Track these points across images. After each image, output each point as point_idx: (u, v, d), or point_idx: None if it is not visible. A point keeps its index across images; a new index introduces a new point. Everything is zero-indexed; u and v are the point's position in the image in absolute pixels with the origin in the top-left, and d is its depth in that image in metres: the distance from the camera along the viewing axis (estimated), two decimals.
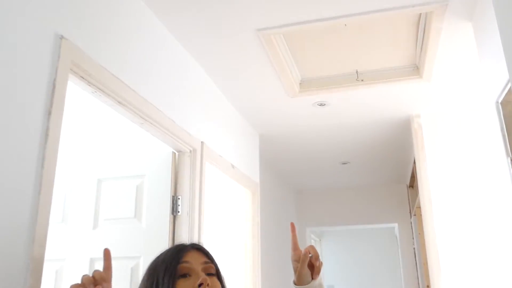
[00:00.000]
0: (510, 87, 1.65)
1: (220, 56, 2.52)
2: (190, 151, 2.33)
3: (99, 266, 2.18)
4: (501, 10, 1.02)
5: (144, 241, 2.17)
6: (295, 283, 1.21)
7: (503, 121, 1.80)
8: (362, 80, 2.82)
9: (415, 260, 5.08)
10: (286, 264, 4.89)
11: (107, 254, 1.16)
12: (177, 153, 2.32)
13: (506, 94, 1.74)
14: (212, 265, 1.12)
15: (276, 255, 4.55)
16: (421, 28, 2.37)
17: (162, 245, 2.10)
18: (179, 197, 2.24)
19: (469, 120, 3.24)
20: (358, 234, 6.95)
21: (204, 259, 1.12)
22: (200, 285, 1.03)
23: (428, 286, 4.10)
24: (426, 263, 3.58)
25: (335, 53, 2.61)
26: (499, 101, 1.83)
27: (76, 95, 1.73)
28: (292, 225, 1.30)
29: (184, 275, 1.06)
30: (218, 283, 1.10)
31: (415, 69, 2.78)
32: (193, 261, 1.09)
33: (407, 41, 2.52)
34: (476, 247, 3.02)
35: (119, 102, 1.76)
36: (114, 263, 2.20)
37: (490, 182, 3.02)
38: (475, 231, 3.05)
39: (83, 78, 1.53)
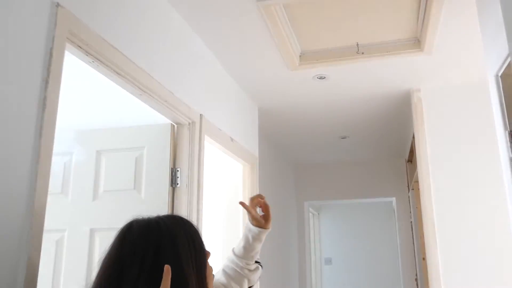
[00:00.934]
0: (510, 60, 1.64)
1: (220, 28, 2.49)
2: (189, 123, 2.33)
3: (100, 236, 2.22)
4: None
5: (144, 213, 2.18)
6: (253, 225, 1.47)
7: (502, 94, 1.79)
8: (362, 53, 2.80)
9: (412, 233, 5.15)
10: (282, 238, 4.96)
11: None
12: (176, 126, 2.32)
13: (506, 67, 1.73)
14: None
15: (272, 229, 4.60)
16: (423, 0, 2.34)
17: None
18: (178, 169, 2.25)
19: (469, 94, 3.22)
20: (356, 208, 7.02)
21: None
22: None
23: (423, 258, 4.16)
24: (423, 236, 3.62)
25: (336, 25, 2.58)
26: (499, 74, 1.82)
27: (74, 64, 1.71)
28: (243, 203, 1.52)
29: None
30: None
31: (416, 42, 2.75)
32: None
33: (408, 13, 2.48)
34: (472, 221, 3.06)
35: (117, 73, 1.75)
36: (114, 233, 2.22)
37: (489, 156, 3.03)
38: (472, 206, 3.08)
39: (80, 47, 1.52)
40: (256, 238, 1.45)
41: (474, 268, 2.98)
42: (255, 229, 1.46)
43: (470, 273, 2.98)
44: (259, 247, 1.48)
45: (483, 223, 3.02)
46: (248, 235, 1.46)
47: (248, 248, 1.44)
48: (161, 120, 2.27)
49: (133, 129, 2.34)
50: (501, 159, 1.86)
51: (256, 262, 1.48)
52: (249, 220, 1.50)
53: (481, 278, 2.95)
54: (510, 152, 1.73)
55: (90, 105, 2.53)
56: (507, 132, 1.76)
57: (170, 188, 2.21)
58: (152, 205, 2.19)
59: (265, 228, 1.48)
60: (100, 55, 1.62)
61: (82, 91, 2.51)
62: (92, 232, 2.22)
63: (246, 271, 1.42)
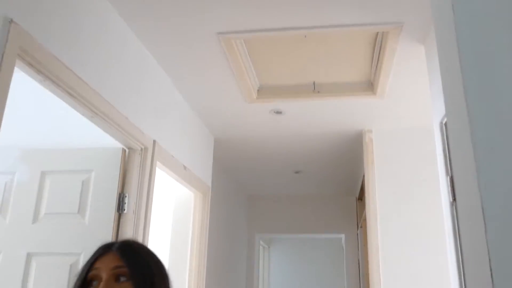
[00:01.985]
0: (446, 120, 1.73)
1: (180, 57, 2.50)
2: (142, 149, 2.30)
3: (37, 261, 2.12)
4: (442, 46, 1.08)
5: (86, 238, 2.11)
6: None
7: (446, 141, 1.88)
8: (318, 92, 2.88)
9: (359, 270, 5.21)
10: (231, 269, 4.89)
11: None
12: (127, 150, 2.28)
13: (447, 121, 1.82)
14: (125, 269, 1.00)
15: (221, 259, 4.54)
16: (377, 47, 2.45)
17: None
18: (126, 195, 2.20)
19: (417, 138, 3.36)
20: (306, 242, 7.05)
21: (116, 263, 1.00)
22: None
23: None
24: (368, 273, 3.67)
25: (294, 63, 2.65)
26: (444, 122, 1.91)
27: (25, 81, 1.66)
28: None
29: (92, 282, 0.99)
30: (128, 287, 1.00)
31: (370, 85, 2.87)
32: (103, 266, 0.99)
33: (363, 58, 2.59)
34: (415, 261, 3.14)
35: (69, 93, 1.71)
36: (53, 259, 2.14)
37: (433, 198, 3.14)
38: (415, 246, 3.17)
39: (31, 65, 1.48)
40: None
41: None
42: None
43: None
44: None
45: (425, 263, 3.11)
46: None
47: None
48: (112, 143, 2.23)
49: (82, 151, 2.27)
50: (442, 202, 1.94)
51: None
52: None
53: None
54: (451, 196, 1.81)
55: (37, 123, 2.45)
56: (448, 177, 1.84)
57: (116, 213, 2.15)
58: (96, 230, 2.11)
59: None
60: (52, 74, 1.58)
61: (31, 109, 2.43)
62: (29, 256, 2.11)
63: None
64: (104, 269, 0.98)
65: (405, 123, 3.34)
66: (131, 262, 1.01)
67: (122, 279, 0.98)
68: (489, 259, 0.78)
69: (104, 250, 1.02)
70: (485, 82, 0.85)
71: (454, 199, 1.79)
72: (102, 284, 0.96)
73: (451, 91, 1.09)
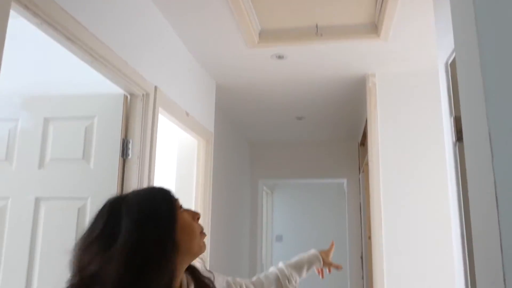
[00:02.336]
0: (456, 54, 1.70)
1: (179, 0, 2.43)
2: (143, 94, 2.29)
3: (45, 206, 2.16)
4: None
5: (92, 183, 2.14)
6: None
7: (451, 81, 1.86)
8: (321, 35, 2.82)
9: (360, 214, 5.32)
10: (235, 214, 5.00)
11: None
12: (129, 96, 2.27)
13: (456, 55, 1.79)
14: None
15: (226, 205, 4.63)
16: None
17: (111, 187, 2.10)
18: (130, 140, 2.21)
19: (421, 82, 3.33)
20: (309, 188, 7.17)
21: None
22: (198, 218, 1.08)
23: (369, 237, 4.32)
24: (369, 216, 3.76)
25: (296, 5, 2.58)
26: (449, 62, 1.88)
27: (23, 26, 1.63)
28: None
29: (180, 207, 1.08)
30: None
31: (374, 27, 2.80)
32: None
33: None
34: (416, 205, 3.19)
35: (68, 38, 1.68)
36: (60, 203, 2.18)
37: (436, 142, 3.15)
38: (417, 190, 3.21)
39: (27, 7, 1.45)
40: (310, 260, 1.58)
41: (414, 249, 3.13)
42: (317, 253, 1.62)
43: (411, 253, 3.13)
44: (304, 271, 1.56)
45: (427, 206, 3.17)
46: (305, 256, 1.60)
47: (298, 263, 1.57)
48: (114, 90, 2.21)
49: (84, 98, 2.26)
50: (445, 143, 1.94)
51: None
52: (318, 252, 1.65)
53: (421, 259, 3.11)
54: (454, 137, 1.81)
55: (38, 70, 2.42)
56: (452, 117, 1.84)
57: (121, 159, 2.17)
58: (101, 175, 2.14)
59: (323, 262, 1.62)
60: (49, 18, 1.54)
61: (31, 55, 2.40)
62: (37, 201, 2.15)
63: (287, 282, 1.46)
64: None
65: (409, 67, 3.30)
66: None
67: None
68: (496, 198, 0.78)
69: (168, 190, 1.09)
70: (497, 13, 0.82)
71: (458, 139, 1.79)
72: (197, 211, 1.10)
73: (462, 25, 1.05)
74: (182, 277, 1.07)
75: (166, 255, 0.96)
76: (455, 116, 1.85)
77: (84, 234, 1.01)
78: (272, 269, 1.50)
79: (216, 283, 1.18)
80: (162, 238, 0.97)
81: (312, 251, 1.64)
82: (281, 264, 1.53)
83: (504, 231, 0.75)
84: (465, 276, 1.70)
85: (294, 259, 1.58)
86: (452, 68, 1.87)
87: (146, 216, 1.00)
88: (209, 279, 1.16)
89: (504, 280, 0.71)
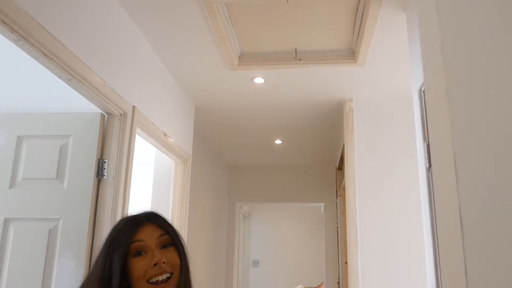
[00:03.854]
0: (424, 88, 1.75)
1: (160, 20, 2.44)
2: (121, 114, 2.27)
3: (15, 227, 2.10)
4: (422, 13, 1.08)
5: (65, 203, 2.10)
6: None
7: (424, 108, 1.91)
8: (300, 59, 2.87)
9: (337, 238, 5.33)
10: (212, 238, 4.95)
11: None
12: (106, 115, 2.25)
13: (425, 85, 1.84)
14: (168, 236, 1.10)
15: (202, 229, 4.58)
16: (359, 14, 2.44)
17: (85, 207, 2.06)
18: (106, 160, 2.18)
19: (397, 107, 3.40)
20: (286, 212, 7.15)
21: (159, 232, 1.09)
22: (155, 264, 1.04)
23: (346, 262, 4.32)
24: (346, 241, 3.76)
25: (276, 29, 2.62)
26: (422, 89, 1.93)
27: None
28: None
29: (139, 253, 1.05)
30: (174, 252, 1.10)
31: (351, 53, 2.86)
32: (147, 238, 1.07)
33: (345, 25, 2.58)
34: (391, 229, 3.22)
35: (45, 55, 1.66)
36: (31, 224, 2.12)
37: (411, 168, 3.21)
38: (392, 214, 3.24)
39: (5, 23, 1.43)
40: None
41: (389, 272, 3.14)
42: None
43: (386, 276, 3.14)
44: None
45: (401, 231, 3.20)
46: None
47: None
48: (91, 108, 2.19)
49: (59, 116, 2.23)
50: (419, 168, 1.98)
51: None
52: None
53: (395, 283, 3.11)
54: (427, 162, 1.84)
55: (12, 87, 2.38)
56: (425, 143, 1.88)
57: (96, 179, 2.13)
58: (75, 196, 2.10)
59: None
60: (27, 34, 1.53)
61: (4, 71, 2.36)
62: (6, 221, 2.09)
63: None
64: (150, 240, 1.06)
65: (385, 92, 3.37)
66: (169, 230, 1.11)
67: (168, 246, 1.09)
68: (461, 224, 0.80)
69: (138, 223, 1.08)
70: (463, 50, 0.86)
71: (430, 165, 1.83)
72: (154, 252, 1.05)
73: (430, 57, 1.09)
74: None
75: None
76: (428, 143, 1.89)
77: None
78: None
79: None
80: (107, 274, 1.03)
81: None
82: None
83: (468, 250, 0.76)
84: None
85: None
86: (426, 96, 1.92)
87: (102, 251, 1.08)
88: None
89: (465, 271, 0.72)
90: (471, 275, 0.75)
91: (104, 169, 2.16)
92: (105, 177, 2.15)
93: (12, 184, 2.15)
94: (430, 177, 1.83)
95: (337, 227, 5.34)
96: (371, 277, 3.15)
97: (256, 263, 6.95)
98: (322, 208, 5.80)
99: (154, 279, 1.03)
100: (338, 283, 5.19)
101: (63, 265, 2.01)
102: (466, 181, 0.80)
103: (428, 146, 1.85)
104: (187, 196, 3.33)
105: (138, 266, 1.03)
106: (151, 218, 1.12)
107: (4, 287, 2.02)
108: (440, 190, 0.97)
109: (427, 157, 1.84)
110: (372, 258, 3.18)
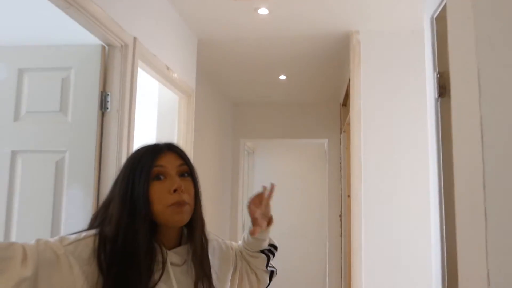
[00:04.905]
0: (446, 2, 1.67)
1: None
2: (122, 45, 2.21)
3: (22, 159, 2.11)
4: None
5: (70, 136, 2.09)
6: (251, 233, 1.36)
7: (435, 36, 1.84)
8: None
9: (340, 173, 5.39)
10: (217, 174, 5.01)
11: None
12: (107, 47, 2.19)
13: (442, 9, 1.76)
14: (186, 166, 1.14)
15: (206, 165, 4.63)
16: None
17: (90, 140, 2.06)
18: (109, 93, 2.15)
19: (406, 39, 3.30)
20: (290, 148, 7.20)
21: (179, 161, 1.13)
22: (174, 190, 1.07)
23: (348, 196, 4.40)
24: (349, 175, 3.80)
25: None
26: (434, 16, 1.86)
27: None
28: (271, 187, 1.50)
29: (159, 178, 1.08)
30: (191, 183, 1.14)
31: None
32: (168, 164, 1.10)
33: None
34: (395, 161, 3.24)
35: None
36: (38, 156, 2.14)
37: (418, 101, 3.17)
38: (396, 147, 3.25)
39: None
40: (248, 244, 1.38)
41: (392, 206, 3.20)
42: (248, 238, 1.38)
43: (388, 210, 3.20)
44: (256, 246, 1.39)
45: (406, 163, 3.21)
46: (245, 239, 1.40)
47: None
48: (91, 40, 2.13)
49: (60, 48, 2.18)
50: (427, 98, 1.94)
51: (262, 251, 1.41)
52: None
53: (397, 216, 3.18)
54: (436, 92, 1.81)
55: (12, 19, 2.31)
56: (435, 73, 1.83)
57: (100, 112, 2.11)
58: (79, 128, 2.09)
59: (252, 235, 1.36)
60: None
61: (3, 2, 2.28)
62: (13, 154, 2.10)
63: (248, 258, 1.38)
64: (170, 167, 1.10)
65: (393, 24, 3.26)
66: (188, 161, 1.15)
67: (186, 175, 1.13)
68: (482, 149, 0.78)
69: (160, 150, 1.12)
70: None
71: (440, 95, 1.79)
72: (174, 178, 1.08)
73: None
74: (174, 235, 1.14)
75: (132, 218, 1.04)
76: (438, 72, 1.84)
77: None
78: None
79: (211, 247, 1.24)
80: (125, 201, 1.06)
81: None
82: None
83: (488, 180, 0.75)
84: (441, 237, 1.74)
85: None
86: (438, 23, 1.85)
87: (124, 174, 1.09)
88: (205, 241, 1.20)
89: (485, 211, 0.72)
90: (489, 205, 0.74)
91: (108, 102, 2.14)
92: (108, 110, 2.14)
93: (16, 118, 2.14)
94: (439, 107, 1.80)
95: (341, 163, 5.39)
96: (375, 210, 3.21)
97: None
98: (326, 144, 5.82)
99: (172, 204, 1.06)
100: (340, 216, 5.32)
101: (72, 197, 2.04)
102: (490, 108, 0.77)
103: (438, 76, 1.80)
104: (192, 132, 3.32)
105: (159, 189, 1.07)
106: (172, 147, 1.15)
107: (16, 219, 2.07)
108: (458, 119, 0.94)
109: (437, 87, 1.80)
110: (375, 191, 3.22)
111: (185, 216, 1.09)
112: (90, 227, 1.08)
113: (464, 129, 0.91)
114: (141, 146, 1.15)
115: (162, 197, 1.06)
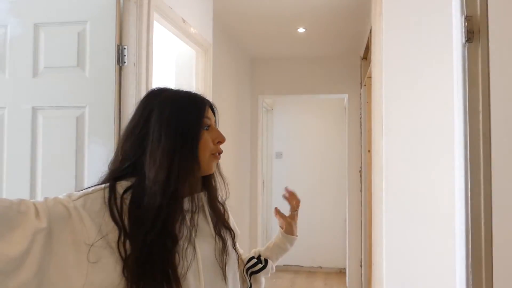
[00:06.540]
0: None
1: None
2: None
3: (43, 115, 2.13)
4: None
5: (89, 91, 2.09)
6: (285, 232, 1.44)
7: None
8: None
9: (360, 128, 5.33)
10: (235, 131, 5.01)
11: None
12: (121, 0, 2.14)
13: None
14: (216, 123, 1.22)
15: (225, 121, 4.62)
16: None
17: (108, 95, 2.06)
18: (125, 47, 2.12)
19: None
20: (309, 104, 7.12)
21: (214, 118, 1.20)
22: (218, 142, 1.17)
23: (369, 151, 4.36)
24: (370, 130, 3.75)
25: None
26: None
27: None
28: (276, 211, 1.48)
29: (205, 127, 1.15)
30: None
31: None
32: (212, 117, 1.18)
33: None
34: (418, 115, 3.16)
35: None
36: (58, 112, 2.15)
37: (443, 51, 3.05)
38: (419, 100, 3.16)
39: None
40: (278, 243, 1.44)
41: (414, 158, 3.15)
42: (280, 233, 1.45)
43: (410, 161, 3.15)
44: (278, 253, 1.43)
45: (430, 117, 3.13)
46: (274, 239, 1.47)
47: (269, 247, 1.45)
48: None
49: (74, 1, 2.14)
50: (454, 45, 1.86)
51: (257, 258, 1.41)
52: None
53: (420, 168, 3.14)
54: (464, 37, 1.73)
55: None
56: (463, 16, 1.74)
57: (117, 66, 2.09)
58: (97, 83, 2.08)
59: (289, 235, 1.44)
60: None
61: None
62: (34, 110, 2.11)
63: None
64: (212, 120, 1.18)
65: None
66: (217, 119, 1.24)
67: None
68: None
69: (205, 102, 1.16)
70: None
71: (468, 40, 1.71)
72: (218, 131, 1.18)
73: None
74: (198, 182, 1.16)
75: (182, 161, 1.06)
76: (466, 16, 1.75)
77: (128, 122, 1.13)
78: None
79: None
80: (177, 147, 1.06)
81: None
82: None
83: None
84: (466, 190, 1.71)
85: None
86: None
87: (172, 121, 1.08)
88: (222, 206, 1.25)
89: None
90: None
91: (125, 55, 2.11)
92: (126, 64, 2.11)
93: (35, 74, 2.13)
94: (466, 53, 1.73)
95: (361, 118, 5.32)
96: (396, 164, 3.17)
97: (279, 155, 7.10)
98: (345, 99, 5.73)
99: (214, 153, 1.16)
100: (360, 171, 5.30)
101: (93, 151, 2.06)
102: None
103: (466, 19, 1.72)
104: (210, 88, 3.29)
105: (207, 137, 1.14)
106: (210, 102, 1.20)
107: (41, 174, 2.10)
108: (497, 63, 0.89)
109: (465, 31, 1.72)
110: (396, 145, 3.18)
111: (215, 166, 1.19)
112: (116, 171, 1.08)
113: (504, 73, 0.86)
114: (177, 97, 1.15)
115: (208, 145, 1.13)
